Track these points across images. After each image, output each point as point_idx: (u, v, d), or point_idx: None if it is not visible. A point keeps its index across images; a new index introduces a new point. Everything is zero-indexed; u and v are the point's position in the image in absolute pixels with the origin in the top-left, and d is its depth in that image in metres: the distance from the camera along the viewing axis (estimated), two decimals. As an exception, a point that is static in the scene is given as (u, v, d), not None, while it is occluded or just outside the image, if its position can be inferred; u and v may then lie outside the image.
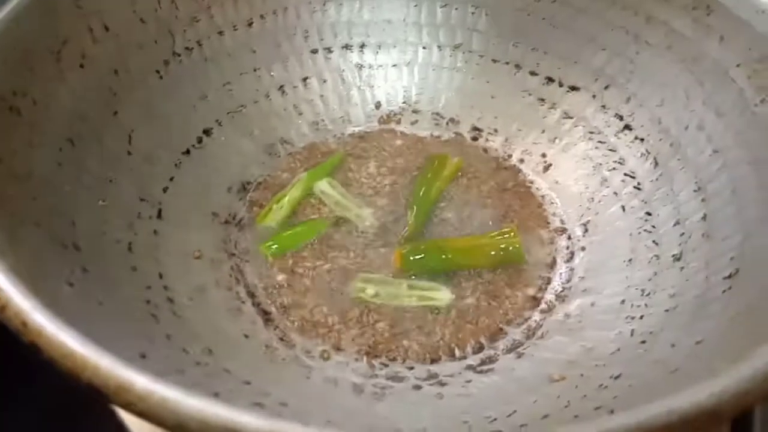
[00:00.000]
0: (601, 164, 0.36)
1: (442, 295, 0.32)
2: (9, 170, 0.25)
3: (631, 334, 0.28)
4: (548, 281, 0.33)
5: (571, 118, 0.37)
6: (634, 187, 0.34)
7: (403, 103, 0.41)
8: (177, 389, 0.16)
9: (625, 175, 0.35)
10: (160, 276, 0.29)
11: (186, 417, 0.15)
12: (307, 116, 0.39)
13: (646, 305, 0.29)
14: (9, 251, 0.20)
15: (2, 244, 0.20)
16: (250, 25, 0.38)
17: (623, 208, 0.34)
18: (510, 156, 0.38)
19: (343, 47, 0.40)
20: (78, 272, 0.25)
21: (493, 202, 0.36)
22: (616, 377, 0.25)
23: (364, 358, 0.30)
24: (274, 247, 0.33)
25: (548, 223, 0.35)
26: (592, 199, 0.35)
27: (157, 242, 0.31)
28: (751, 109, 0.29)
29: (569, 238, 0.34)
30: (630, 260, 0.31)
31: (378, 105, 0.40)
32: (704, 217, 0.30)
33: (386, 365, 0.29)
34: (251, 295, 0.32)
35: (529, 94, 0.39)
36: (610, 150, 0.36)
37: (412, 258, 0.33)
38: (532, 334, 0.31)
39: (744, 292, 0.25)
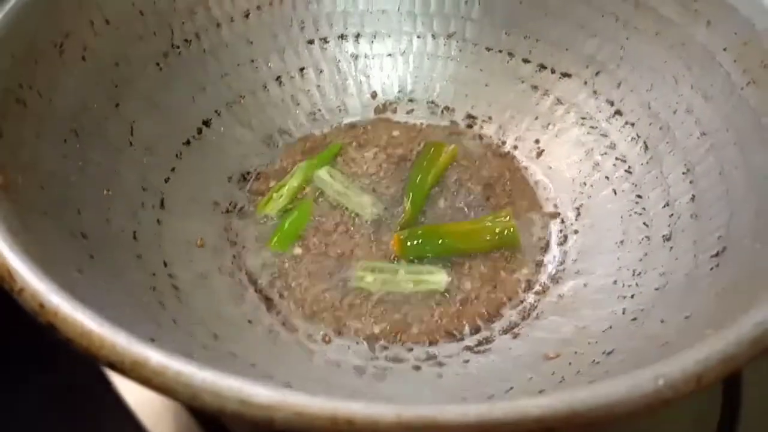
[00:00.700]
0: (592, 149, 0.37)
1: (440, 278, 0.33)
2: (18, 160, 0.25)
3: (623, 312, 0.29)
4: (542, 264, 0.34)
5: (564, 104, 0.38)
6: (625, 170, 0.35)
7: (399, 92, 0.41)
8: (189, 363, 0.17)
9: (617, 159, 0.35)
10: (165, 264, 0.30)
11: (200, 389, 0.16)
12: (305, 106, 0.40)
13: (637, 284, 0.30)
14: (23, 236, 0.20)
15: (16, 229, 0.20)
16: (246, 16, 0.38)
17: (615, 191, 0.35)
18: (504, 143, 0.39)
19: (338, 37, 0.41)
20: (86, 260, 0.25)
21: (487, 187, 0.37)
22: (609, 353, 0.26)
23: (365, 341, 0.30)
24: (277, 240, 0.34)
25: (542, 207, 0.36)
26: (585, 183, 0.36)
27: (161, 231, 0.32)
28: (738, 92, 0.30)
29: (562, 221, 0.35)
30: (621, 242, 0.32)
31: (374, 95, 0.41)
32: (693, 198, 0.31)
33: (386, 347, 0.30)
34: (253, 281, 0.32)
35: (522, 82, 0.39)
36: (601, 135, 0.36)
37: (409, 243, 0.34)
38: (528, 314, 0.31)
39: (730, 268, 0.26)
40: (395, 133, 0.40)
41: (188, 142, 0.36)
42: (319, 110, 0.40)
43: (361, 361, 0.29)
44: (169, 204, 0.33)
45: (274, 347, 0.29)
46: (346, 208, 0.35)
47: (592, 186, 0.36)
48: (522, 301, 0.32)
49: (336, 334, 0.31)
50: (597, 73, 0.37)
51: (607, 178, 0.35)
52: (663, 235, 0.31)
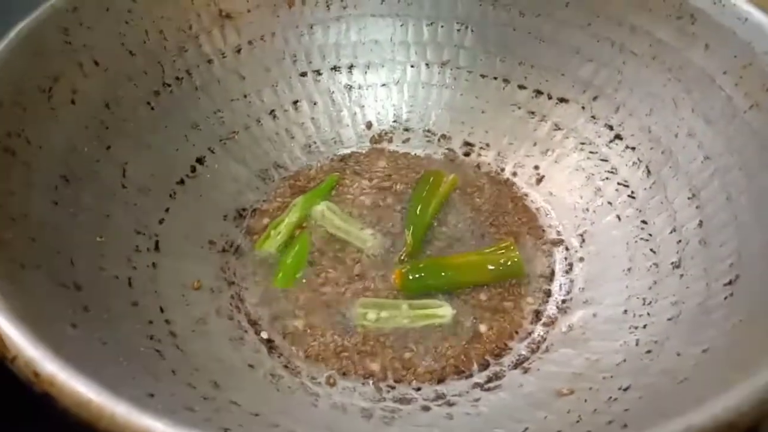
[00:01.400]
0: (593, 174, 0.36)
1: (444, 311, 0.32)
2: (6, 213, 0.24)
3: (636, 344, 0.28)
4: (549, 293, 0.33)
5: (562, 129, 0.38)
6: (628, 195, 0.34)
7: (394, 121, 0.41)
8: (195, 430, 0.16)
9: (619, 184, 0.35)
10: (161, 309, 0.29)
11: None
12: (299, 139, 0.39)
13: (648, 314, 0.29)
14: (15, 297, 0.19)
15: (7, 290, 0.20)
16: (238, 51, 0.38)
17: (618, 217, 0.34)
18: (503, 169, 0.39)
19: (331, 69, 0.40)
20: (80, 312, 0.25)
21: (488, 216, 0.36)
22: (625, 389, 0.25)
23: (371, 382, 0.30)
24: (282, 276, 0.33)
25: (544, 235, 0.36)
26: (587, 209, 0.35)
27: (156, 275, 0.31)
28: (741, 115, 0.29)
29: (567, 249, 0.35)
30: (629, 269, 0.32)
31: (369, 125, 0.41)
32: (700, 224, 0.30)
33: (393, 387, 0.29)
34: (253, 323, 0.32)
35: (519, 108, 0.39)
36: (602, 160, 0.36)
37: (411, 277, 0.33)
38: (537, 348, 0.31)
39: (746, 298, 0.25)
40: (392, 163, 0.39)
41: (182, 181, 0.35)
42: (314, 142, 0.40)
43: (367, 404, 0.29)
44: (164, 246, 0.32)
45: (277, 393, 0.28)
46: (347, 243, 0.35)
47: (594, 212, 0.35)
48: (530, 333, 0.31)
49: (341, 375, 0.30)
50: (595, 98, 0.37)
51: (610, 203, 0.35)
52: (672, 262, 0.30)
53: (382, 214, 0.36)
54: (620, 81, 0.36)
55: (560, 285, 0.33)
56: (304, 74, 0.40)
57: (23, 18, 0.30)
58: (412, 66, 0.41)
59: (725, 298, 0.26)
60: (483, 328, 0.31)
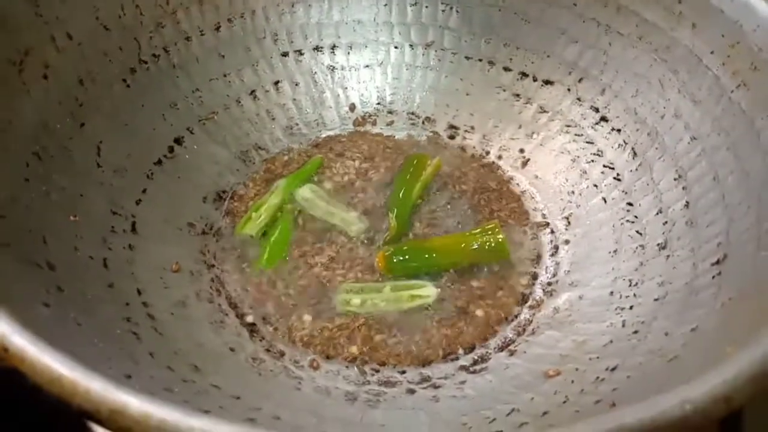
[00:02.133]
0: (579, 157, 0.36)
1: (427, 291, 0.31)
2: (-26, 189, 0.23)
3: (623, 325, 0.28)
4: (535, 276, 0.33)
5: (547, 112, 0.37)
6: (614, 178, 0.34)
7: (378, 103, 0.40)
8: (175, 409, 0.15)
9: (604, 166, 0.35)
10: (139, 292, 0.28)
11: (187, 439, 0.14)
12: (281, 121, 0.38)
13: (635, 295, 0.29)
14: (-19, 274, 0.18)
15: (-26, 266, 0.19)
16: (217, 29, 0.37)
17: (604, 199, 0.34)
18: (488, 153, 0.38)
19: (313, 49, 0.39)
20: (54, 292, 0.24)
21: (473, 199, 0.36)
22: (613, 369, 0.25)
23: (355, 365, 0.29)
24: (267, 258, 0.32)
25: (530, 218, 0.35)
26: (573, 192, 0.35)
27: (133, 257, 0.30)
28: (728, 95, 0.29)
29: (552, 232, 0.34)
30: (615, 251, 0.32)
31: (352, 107, 0.40)
32: (687, 205, 0.30)
33: (377, 371, 0.29)
34: (234, 306, 0.31)
35: (504, 90, 0.39)
36: (587, 142, 0.36)
37: (395, 259, 0.32)
38: (523, 330, 0.30)
39: (735, 276, 0.25)
40: (375, 145, 0.39)
41: (160, 162, 0.34)
42: (296, 124, 0.39)
43: (352, 387, 0.28)
44: (141, 228, 0.31)
45: (259, 377, 0.28)
46: (332, 225, 0.34)
47: (580, 194, 0.35)
48: (516, 316, 0.31)
49: (324, 358, 0.29)
50: (580, 80, 0.36)
51: (595, 186, 0.34)
52: (658, 244, 0.30)
53: (365, 197, 0.36)
54: (606, 62, 0.35)
55: (546, 268, 0.33)
56: (285, 54, 0.39)
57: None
58: (395, 47, 0.40)
59: (713, 277, 0.26)
60: (468, 311, 0.31)
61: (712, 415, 0.15)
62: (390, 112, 0.40)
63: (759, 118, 0.28)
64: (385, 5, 0.40)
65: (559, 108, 0.37)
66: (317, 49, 0.40)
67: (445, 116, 0.39)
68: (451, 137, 0.39)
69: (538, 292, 0.32)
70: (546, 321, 0.30)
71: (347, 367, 0.29)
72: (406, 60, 0.40)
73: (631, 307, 0.28)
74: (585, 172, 0.35)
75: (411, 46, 0.40)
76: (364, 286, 0.32)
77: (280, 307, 0.31)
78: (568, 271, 0.32)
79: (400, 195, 0.35)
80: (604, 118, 0.35)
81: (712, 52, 0.31)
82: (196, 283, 0.31)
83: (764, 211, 0.26)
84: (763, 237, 0.25)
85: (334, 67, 0.40)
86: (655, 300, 0.28)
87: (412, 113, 0.40)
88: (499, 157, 0.38)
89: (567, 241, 0.34)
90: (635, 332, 0.27)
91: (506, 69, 0.39)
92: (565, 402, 0.25)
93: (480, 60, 0.39)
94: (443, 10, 0.39)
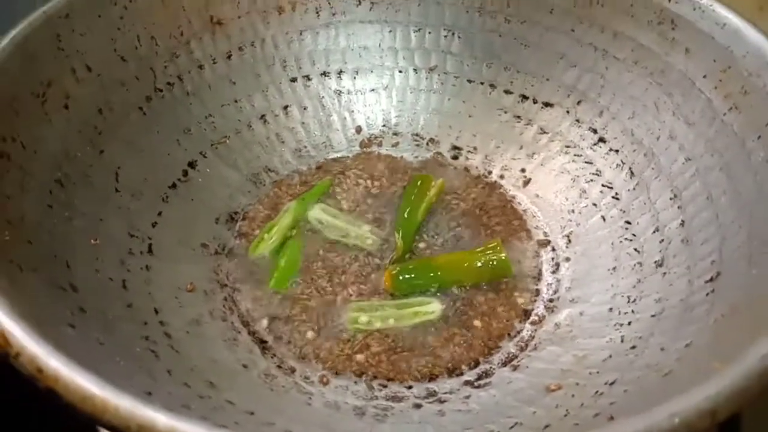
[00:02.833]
0: (578, 176, 0.37)
1: (432, 307, 0.32)
2: (3, 216, 0.25)
3: (622, 341, 0.29)
4: (536, 293, 0.34)
5: (547, 133, 0.39)
6: (612, 197, 0.35)
7: (383, 126, 0.41)
8: (198, 424, 0.16)
9: (603, 186, 0.36)
10: (156, 311, 0.30)
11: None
12: (290, 144, 0.40)
13: (633, 311, 0.30)
14: (15, 297, 0.20)
15: (8, 290, 0.20)
16: (228, 57, 0.38)
17: (603, 218, 0.35)
18: (490, 173, 0.39)
19: (321, 74, 0.41)
20: (77, 313, 0.25)
21: (476, 218, 0.37)
22: (611, 383, 0.26)
23: (363, 381, 0.30)
24: (276, 279, 0.34)
25: (532, 236, 0.36)
26: (573, 210, 0.36)
27: (150, 277, 0.31)
28: (720, 117, 0.30)
29: (553, 249, 0.35)
30: (614, 268, 0.33)
31: (359, 129, 0.41)
32: (682, 224, 0.31)
33: (385, 386, 0.30)
34: (246, 324, 0.32)
35: (505, 112, 0.40)
36: (586, 162, 0.37)
37: (401, 278, 0.33)
38: (525, 345, 0.31)
39: (726, 293, 0.26)
40: (381, 166, 0.40)
41: (174, 186, 0.35)
42: (305, 147, 0.40)
43: (360, 402, 0.29)
44: (157, 249, 0.32)
45: (272, 392, 0.29)
46: (341, 245, 0.35)
47: (580, 213, 0.36)
48: (519, 332, 0.32)
49: (333, 374, 0.30)
50: (578, 102, 0.38)
51: (594, 204, 0.36)
52: (655, 261, 0.31)
53: (372, 217, 0.37)
54: (603, 85, 0.37)
55: (548, 284, 0.34)
56: (294, 80, 0.40)
57: (17, 24, 0.30)
58: (400, 71, 0.41)
59: (707, 294, 0.27)
60: (472, 327, 0.32)
61: (699, 428, 0.16)
62: (395, 134, 0.41)
63: (750, 139, 0.29)
64: (390, 31, 0.41)
65: (559, 129, 0.38)
66: (324, 74, 0.41)
67: (449, 137, 0.41)
68: (455, 158, 0.40)
69: (539, 308, 0.33)
70: (547, 336, 0.31)
71: (356, 382, 0.30)
72: (411, 84, 0.41)
73: (629, 323, 0.29)
74: (584, 192, 0.36)
75: (415, 70, 0.41)
76: (371, 305, 0.33)
77: (290, 324, 0.32)
78: (569, 287, 0.33)
79: (406, 215, 0.36)
80: (602, 139, 0.37)
81: (704, 76, 0.32)
82: (210, 302, 0.32)
83: (755, 229, 0.27)
84: (754, 255, 0.26)
85: (340, 92, 0.41)
86: (652, 316, 0.29)
87: (417, 135, 0.41)
88: (501, 177, 0.39)
89: (568, 259, 0.35)
90: (633, 347, 0.28)
91: (507, 92, 0.40)
92: (566, 415, 0.26)
93: (482, 83, 0.40)
94: (446, 36, 0.41)
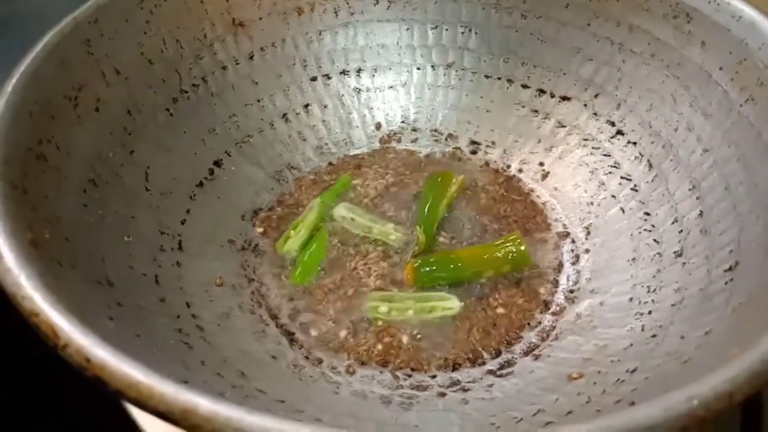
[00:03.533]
0: (597, 169, 0.37)
1: (452, 303, 0.33)
2: (42, 215, 0.26)
3: (642, 330, 0.29)
4: (557, 284, 0.34)
5: (565, 126, 0.39)
6: (631, 189, 0.36)
7: (402, 122, 0.42)
8: (237, 408, 0.17)
9: (622, 178, 0.36)
10: (188, 305, 0.31)
11: (250, 433, 0.16)
12: (311, 141, 0.41)
13: (653, 301, 0.30)
14: (59, 292, 0.21)
15: (53, 286, 0.21)
16: (251, 58, 0.39)
17: (622, 210, 0.35)
18: (509, 167, 0.40)
19: (340, 73, 0.42)
20: (114, 307, 0.26)
21: (496, 211, 0.38)
22: (632, 371, 0.27)
23: (388, 370, 0.31)
24: (300, 273, 0.34)
25: (551, 228, 0.37)
26: (592, 203, 0.37)
27: (181, 273, 0.32)
28: (737, 109, 0.31)
29: (573, 241, 0.36)
30: (633, 259, 0.33)
31: (378, 126, 0.42)
32: (700, 214, 0.31)
33: (410, 375, 0.31)
34: (274, 317, 0.33)
35: (523, 106, 0.40)
36: (604, 155, 0.37)
37: (422, 270, 0.34)
38: (547, 336, 0.32)
39: (745, 282, 0.26)
40: (401, 162, 0.41)
41: (201, 184, 0.36)
42: (326, 144, 0.41)
43: (386, 391, 0.30)
44: (186, 245, 0.33)
45: (300, 382, 0.30)
46: (363, 240, 0.36)
47: (599, 205, 0.36)
48: (540, 323, 0.33)
49: (359, 364, 0.31)
50: (596, 96, 0.38)
51: (613, 196, 0.36)
52: (674, 251, 0.31)
53: (394, 212, 0.38)
54: (620, 78, 0.37)
55: (568, 276, 0.34)
56: (314, 79, 0.41)
57: (48, 31, 0.31)
58: (418, 68, 0.42)
59: (726, 283, 0.27)
60: (494, 318, 0.33)
61: (717, 409, 0.17)
62: (414, 130, 0.42)
63: (766, 130, 0.29)
64: (407, 29, 0.42)
65: (577, 122, 0.39)
66: (344, 72, 0.42)
67: (467, 132, 0.41)
68: (473, 152, 0.41)
69: (560, 299, 0.34)
70: (568, 327, 0.32)
71: (381, 372, 0.31)
72: (428, 80, 0.42)
73: (649, 312, 0.30)
74: (603, 184, 0.37)
75: (433, 66, 0.42)
76: (392, 295, 0.34)
77: (315, 316, 0.33)
78: (589, 278, 0.34)
79: (426, 210, 0.37)
80: (620, 132, 0.37)
81: (720, 69, 0.32)
82: (239, 295, 0.33)
83: (772, 219, 0.27)
84: (771, 244, 0.26)
85: (360, 89, 0.42)
86: (672, 305, 0.29)
87: (435, 130, 0.42)
88: (520, 171, 0.40)
89: (587, 250, 0.35)
90: (653, 336, 0.28)
91: (524, 86, 0.40)
92: (587, 402, 0.26)
93: (499, 78, 0.41)
94: (462, 33, 0.41)
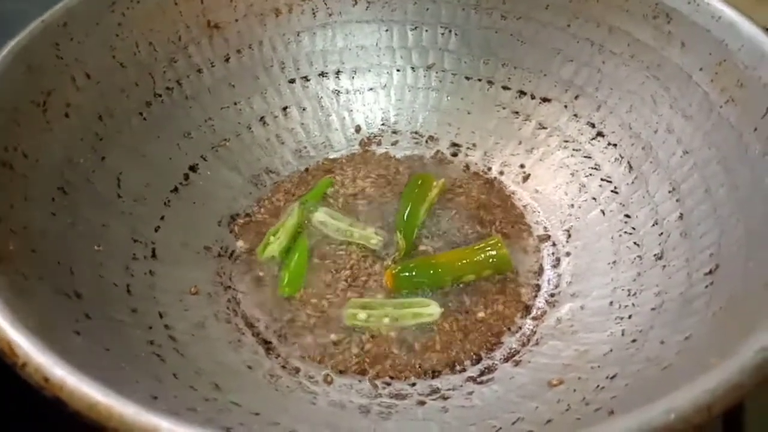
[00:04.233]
0: (577, 171, 0.37)
1: (431, 309, 0.33)
2: (7, 225, 0.25)
3: (622, 334, 0.29)
4: (537, 288, 0.34)
5: (546, 128, 0.39)
6: (612, 191, 0.35)
7: (382, 125, 0.42)
8: (201, 428, 0.16)
9: (602, 180, 0.36)
10: (160, 315, 0.30)
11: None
12: (290, 145, 0.40)
13: (633, 305, 0.30)
14: (20, 307, 0.20)
15: (13, 301, 0.20)
16: (227, 60, 0.39)
17: (603, 212, 0.35)
18: (489, 169, 0.39)
19: (319, 75, 0.41)
20: (82, 320, 0.25)
21: (476, 215, 0.37)
22: (612, 377, 0.26)
23: (366, 379, 0.30)
24: (287, 283, 0.34)
25: (532, 231, 0.37)
26: (572, 205, 0.36)
27: (154, 282, 0.31)
28: (717, 110, 0.31)
29: (554, 244, 0.36)
30: (614, 262, 0.33)
31: (358, 128, 0.41)
32: (681, 217, 0.31)
33: (388, 384, 0.30)
34: (250, 325, 0.32)
35: (503, 108, 0.40)
36: (585, 157, 0.37)
37: (402, 276, 0.34)
38: (527, 341, 0.32)
39: (725, 286, 0.26)
40: (381, 165, 0.40)
41: (176, 189, 0.35)
42: (305, 147, 0.40)
43: (364, 400, 0.29)
44: (160, 253, 0.33)
45: (276, 392, 0.29)
46: (343, 246, 0.35)
47: (580, 207, 0.36)
48: (520, 328, 0.32)
49: (337, 373, 0.31)
50: (576, 97, 0.38)
51: (594, 199, 0.36)
52: (655, 254, 0.31)
53: (374, 216, 0.37)
54: (600, 80, 0.37)
55: (548, 279, 0.34)
56: (292, 81, 0.41)
57: (15, 35, 0.30)
58: (398, 70, 0.42)
59: (706, 287, 0.27)
60: (474, 323, 0.32)
61: (696, 422, 0.17)
62: (394, 132, 0.42)
63: (746, 132, 0.29)
64: (387, 30, 0.41)
65: (557, 124, 0.38)
66: (323, 74, 0.41)
67: (448, 134, 0.41)
68: (454, 154, 0.40)
69: (541, 303, 0.33)
70: (549, 331, 0.32)
71: (359, 381, 0.30)
72: (409, 82, 0.42)
73: (629, 317, 0.30)
74: (584, 186, 0.37)
75: (413, 68, 0.42)
76: (370, 302, 0.33)
77: (292, 325, 0.32)
78: (570, 282, 0.34)
79: (406, 215, 0.36)
80: (600, 134, 0.37)
81: (701, 69, 0.32)
82: (214, 304, 0.33)
83: (752, 222, 0.27)
84: (751, 247, 0.26)
85: (339, 92, 0.41)
86: (652, 309, 0.29)
87: (416, 133, 0.41)
88: (501, 173, 0.39)
89: (568, 253, 0.35)
90: (633, 341, 0.28)
91: (505, 88, 0.40)
92: (567, 410, 0.26)
93: (479, 80, 0.41)
94: (442, 34, 0.41)
